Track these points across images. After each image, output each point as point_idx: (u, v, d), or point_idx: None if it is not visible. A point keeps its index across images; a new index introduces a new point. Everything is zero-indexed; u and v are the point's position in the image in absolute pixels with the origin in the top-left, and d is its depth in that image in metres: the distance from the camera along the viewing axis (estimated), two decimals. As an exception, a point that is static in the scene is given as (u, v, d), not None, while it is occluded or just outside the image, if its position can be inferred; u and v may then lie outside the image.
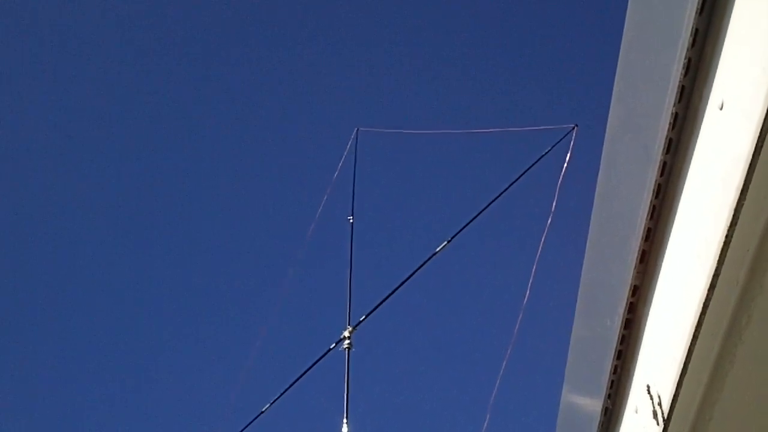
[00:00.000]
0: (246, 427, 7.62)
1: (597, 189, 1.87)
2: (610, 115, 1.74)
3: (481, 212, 7.26)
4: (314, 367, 7.42)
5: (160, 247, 15.17)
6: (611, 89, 1.76)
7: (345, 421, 6.48)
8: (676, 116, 1.53)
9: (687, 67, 1.45)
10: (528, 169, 7.17)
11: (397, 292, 7.36)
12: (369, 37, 15.42)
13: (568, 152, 6.72)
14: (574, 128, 6.86)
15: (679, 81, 1.47)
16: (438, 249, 7.27)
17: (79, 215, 14.83)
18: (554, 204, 6.65)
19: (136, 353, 14.92)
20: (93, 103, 14.34)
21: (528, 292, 6.58)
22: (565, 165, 6.68)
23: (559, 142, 6.91)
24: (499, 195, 7.22)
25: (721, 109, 1.39)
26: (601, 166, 1.83)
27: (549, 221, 6.66)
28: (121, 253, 14.99)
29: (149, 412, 14.72)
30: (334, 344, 7.20)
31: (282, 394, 7.63)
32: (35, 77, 14.15)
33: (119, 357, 14.82)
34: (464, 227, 7.32)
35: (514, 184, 7.14)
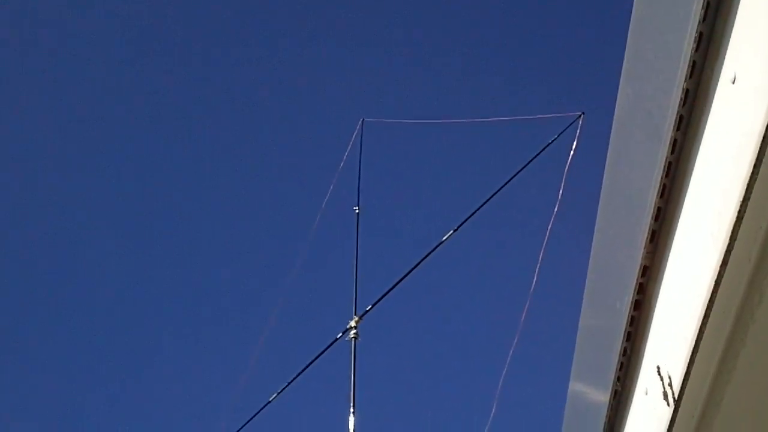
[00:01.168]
0: (253, 416, 7.64)
1: (606, 169, 1.86)
2: (619, 93, 1.73)
3: (487, 201, 7.24)
4: (321, 357, 7.42)
5: (169, 238, 15.19)
6: (617, 76, 1.75)
7: (351, 410, 6.48)
8: (687, 92, 1.51)
9: (698, 42, 1.43)
10: (534, 157, 7.14)
11: (403, 281, 7.35)
12: (374, 27, 15.38)
13: (574, 140, 6.69)
14: (580, 116, 6.83)
15: (691, 56, 1.45)
16: (444, 238, 7.25)
17: (86, 201, 14.86)
18: (561, 192, 6.62)
19: (143, 345, 14.98)
20: (93, 97, 14.34)
21: (535, 280, 6.57)
22: (572, 153, 6.66)
23: (565, 129, 6.88)
24: (506, 184, 7.20)
25: (733, 82, 1.37)
26: (611, 146, 1.82)
27: (556, 209, 6.64)
28: (128, 243, 15.02)
29: (156, 402, 14.78)
30: (340, 334, 7.20)
31: (289, 384, 7.63)
32: (35, 77, 14.17)
33: (124, 349, 14.87)
34: (470, 216, 7.30)
35: (521, 172, 7.11)
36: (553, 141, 7.03)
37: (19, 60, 13.85)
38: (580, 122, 6.81)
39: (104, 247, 14.70)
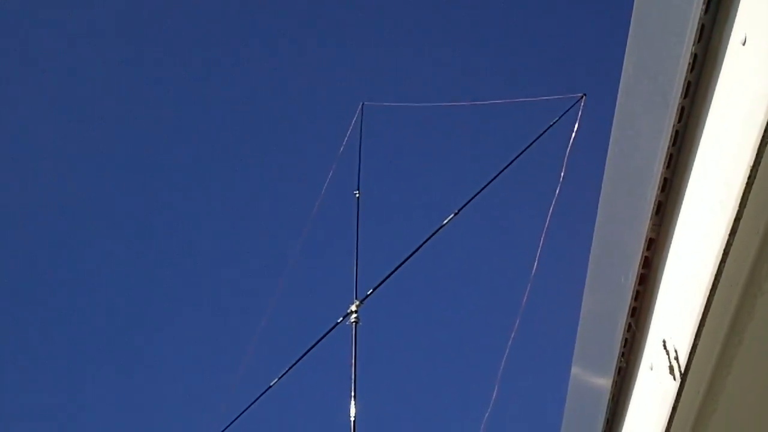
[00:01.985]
0: (254, 401, 7.63)
1: (611, 139, 1.82)
2: (625, 60, 1.69)
3: (488, 184, 7.19)
4: (321, 341, 7.41)
5: (169, 223, 15.17)
6: (620, 56, 1.71)
7: (352, 394, 6.47)
8: (695, 57, 1.47)
9: (707, 3, 1.39)
10: (535, 140, 7.08)
11: (404, 265, 7.32)
12: (372, 9, 15.28)
13: (576, 122, 6.64)
14: (582, 97, 6.77)
15: (699, 18, 1.41)
16: (445, 221, 7.21)
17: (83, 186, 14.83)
18: (562, 174, 6.57)
19: (142, 330, 14.99)
20: (87, 92, 14.28)
21: (537, 261, 6.53)
22: (573, 134, 6.60)
23: (567, 111, 6.82)
24: (507, 166, 7.14)
25: (743, 44, 1.33)
26: (616, 115, 1.78)
27: (557, 191, 6.59)
28: (129, 229, 15.00)
29: (156, 386, 14.80)
30: (341, 318, 7.18)
31: (290, 369, 7.62)
32: (35, 77, 14.11)
33: (121, 334, 14.88)
34: (471, 199, 7.25)
35: (522, 155, 7.06)
36: (554, 123, 6.97)
37: (19, 59, 13.80)
38: (582, 104, 6.76)
39: (104, 227, 14.68)
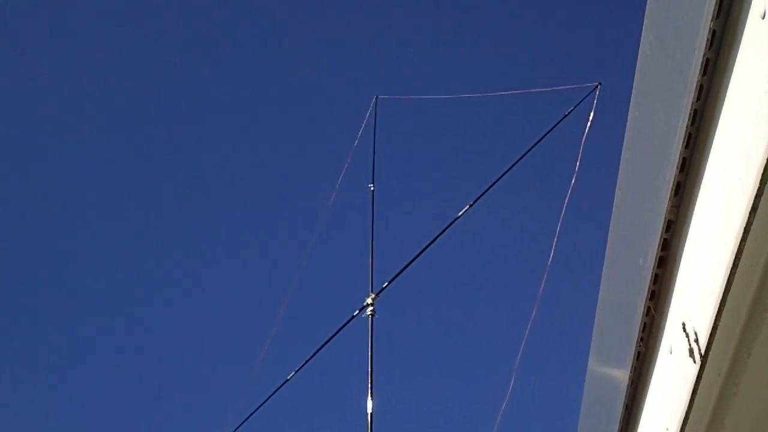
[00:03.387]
0: (272, 395, 7.67)
1: (628, 120, 1.80)
2: (642, 39, 1.67)
3: (503, 175, 7.17)
4: (338, 335, 7.42)
5: (186, 219, 15.24)
6: (635, 44, 1.69)
7: (369, 386, 6.47)
8: (713, 33, 1.45)
9: (726, -23, 1.37)
10: (550, 130, 7.06)
11: (420, 257, 7.31)
12: (386, 2, 15.26)
13: (591, 111, 6.59)
14: (597, 86, 6.73)
15: (718, -7, 1.39)
16: (460, 213, 7.21)
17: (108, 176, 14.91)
18: (578, 164, 6.54)
19: (159, 325, 15.07)
20: (90, 91, 14.33)
21: (553, 251, 6.51)
22: (589, 123, 6.57)
23: (582, 101, 6.79)
24: (522, 157, 7.13)
25: (763, 18, 1.31)
26: (633, 95, 1.76)
27: (573, 181, 6.56)
28: (147, 218, 15.07)
29: (173, 380, 14.89)
30: (357, 311, 7.19)
31: (306, 362, 7.64)
32: (34, 76, 14.17)
33: (137, 325, 14.96)
34: (486, 191, 7.24)
35: (537, 145, 7.03)
36: (569, 113, 6.94)
37: (19, 58, 13.87)
38: (597, 93, 6.72)
39: (125, 211, 14.75)
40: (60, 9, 13.89)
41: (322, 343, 7.56)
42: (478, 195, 7.27)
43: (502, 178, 7.17)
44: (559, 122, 6.89)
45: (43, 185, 14.64)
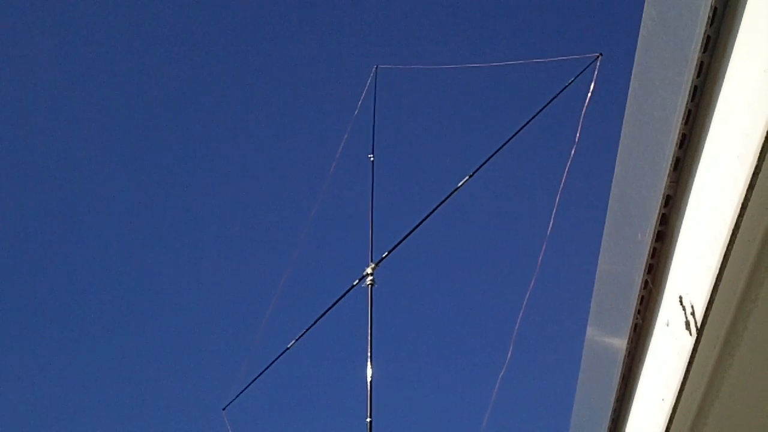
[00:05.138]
0: (272, 363, 7.72)
1: (629, 95, 1.81)
2: (643, 15, 1.67)
3: (503, 146, 7.15)
4: (338, 304, 7.47)
5: (185, 193, 15.24)
6: (637, 15, 1.70)
7: (369, 356, 6.53)
8: (714, 11, 1.46)
9: (728, -45, 1.37)
10: (551, 101, 7.02)
11: (419, 228, 7.33)
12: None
13: (592, 82, 6.56)
14: (598, 57, 6.68)
15: (719, -29, 1.39)
16: (460, 184, 7.20)
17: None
18: (578, 135, 6.52)
19: (162, 297, 15.15)
20: (85, 88, 14.24)
21: (552, 222, 6.52)
22: (589, 95, 6.53)
23: (582, 71, 6.74)
24: (521, 128, 7.10)
25: (764, -3, 1.31)
26: (634, 71, 1.76)
27: (573, 152, 6.55)
28: (146, 204, 15.08)
29: (174, 348, 15.01)
30: (356, 281, 7.22)
31: (306, 330, 7.69)
32: (34, 75, 14.08)
33: (140, 297, 15.05)
34: (486, 162, 7.22)
35: (537, 116, 7.01)
36: (570, 84, 6.90)
37: (19, 59, 13.77)
38: (598, 64, 6.68)
39: (121, 206, 14.77)
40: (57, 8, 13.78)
41: (323, 312, 7.62)
42: (478, 166, 7.27)
43: (502, 149, 7.17)
44: (559, 93, 6.86)
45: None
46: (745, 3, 1.39)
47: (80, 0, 13.76)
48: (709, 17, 1.45)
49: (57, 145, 14.25)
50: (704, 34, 1.49)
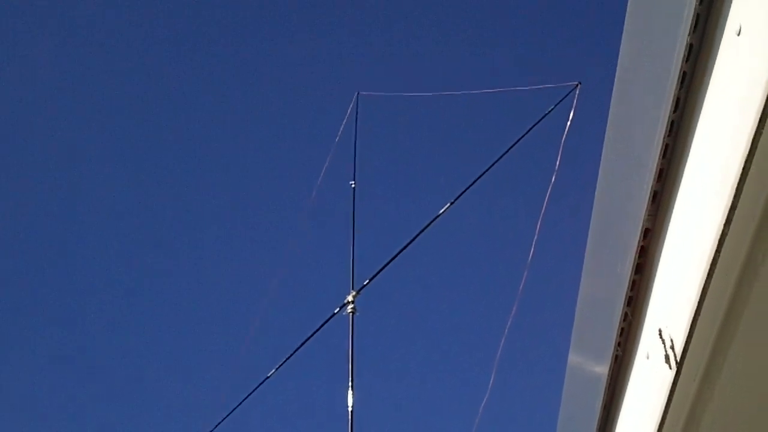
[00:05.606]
0: (252, 391, 7.66)
1: (607, 128, 1.82)
2: (621, 51, 1.69)
3: (483, 173, 7.21)
4: (318, 332, 7.43)
5: (167, 215, 15.16)
6: (615, 44, 1.72)
7: (350, 385, 6.49)
8: (690, 47, 1.48)
9: (703, -6, 1.39)
10: (530, 129, 7.10)
11: (401, 255, 7.34)
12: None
13: (571, 110, 6.64)
14: (577, 86, 6.77)
15: (694, 9, 1.41)
16: (441, 211, 7.24)
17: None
18: (558, 163, 6.59)
19: (139, 320, 15.00)
20: (79, 87, 14.22)
21: (532, 250, 6.55)
22: (569, 123, 6.61)
23: (562, 100, 6.83)
24: (502, 156, 7.16)
25: (738, 34, 1.33)
26: (612, 105, 1.78)
27: (553, 180, 6.61)
28: (128, 220, 14.99)
29: (152, 375, 14.82)
30: (338, 309, 7.19)
31: (287, 359, 7.65)
32: (33, 75, 14.05)
33: (116, 320, 14.88)
34: (466, 189, 7.27)
35: (517, 144, 7.07)
36: (549, 112, 6.98)
37: (18, 58, 13.74)
38: (577, 92, 6.76)
39: (102, 215, 14.66)
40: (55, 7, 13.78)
41: (303, 340, 7.57)
42: (459, 193, 7.30)
43: (483, 176, 7.21)
44: (538, 121, 6.93)
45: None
46: (720, 40, 1.41)
47: (80, 0, 13.78)
48: (685, 54, 1.47)
49: (56, 145, 14.18)
50: (680, 69, 1.50)
